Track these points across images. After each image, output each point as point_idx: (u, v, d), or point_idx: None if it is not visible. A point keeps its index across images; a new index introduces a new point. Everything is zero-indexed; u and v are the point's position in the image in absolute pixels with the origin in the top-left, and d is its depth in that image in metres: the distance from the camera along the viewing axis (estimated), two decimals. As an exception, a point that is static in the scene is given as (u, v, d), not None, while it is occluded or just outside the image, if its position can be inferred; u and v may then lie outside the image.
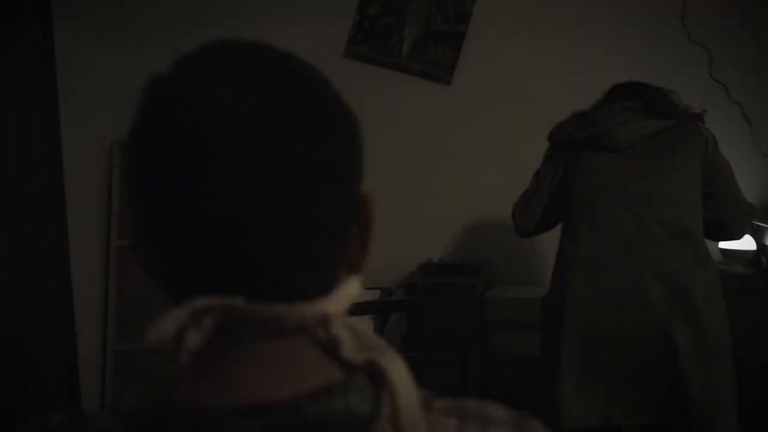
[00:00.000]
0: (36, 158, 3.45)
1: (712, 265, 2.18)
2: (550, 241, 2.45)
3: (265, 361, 0.53)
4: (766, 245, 3.05)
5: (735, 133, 3.34)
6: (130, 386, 0.61)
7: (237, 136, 0.50)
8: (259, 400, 0.51)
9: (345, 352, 0.53)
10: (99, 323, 3.51)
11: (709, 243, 3.14)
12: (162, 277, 0.55)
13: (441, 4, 3.34)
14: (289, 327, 0.52)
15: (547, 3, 3.36)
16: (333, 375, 0.54)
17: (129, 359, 3.41)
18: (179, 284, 0.53)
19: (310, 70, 0.56)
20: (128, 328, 3.41)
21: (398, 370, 0.53)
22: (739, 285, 2.99)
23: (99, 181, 3.52)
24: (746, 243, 3.10)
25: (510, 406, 0.58)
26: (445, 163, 3.40)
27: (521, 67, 3.35)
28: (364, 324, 3.04)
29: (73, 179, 3.53)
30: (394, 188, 3.37)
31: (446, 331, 2.94)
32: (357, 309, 2.34)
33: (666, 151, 2.16)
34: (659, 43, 3.32)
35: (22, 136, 3.40)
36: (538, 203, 2.33)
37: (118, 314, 3.44)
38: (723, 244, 3.12)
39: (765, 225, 3.09)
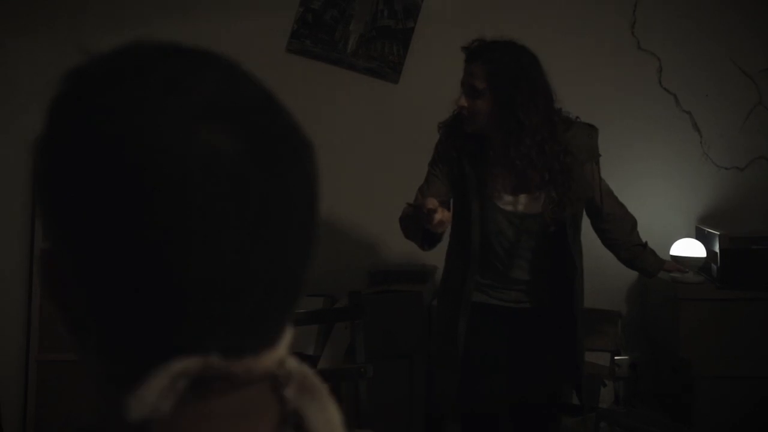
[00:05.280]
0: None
1: None
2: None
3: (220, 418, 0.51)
4: (716, 252, 3.02)
5: (684, 142, 3.38)
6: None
7: (223, 187, 0.46)
8: None
9: (290, 405, 0.53)
10: (21, 332, 3.30)
11: (659, 249, 3.13)
12: (122, 344, 0.49)
13: (388, -2, 3.23)
14: (257, 378, 0.51)
15: (497, 2, 3.29)
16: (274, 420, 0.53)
17: (53, 370, 3.23)
18: (146, 349, 0.48)
19: (275, 98, 0.52)
20: (52, 338, 3.23)
21: (324, 418, 0.53)
22: (689, 293, 2.97)
23: (22, 181, 3.31)
24: (696, 250, 3.06)
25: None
26: (394, 166, 3.29)
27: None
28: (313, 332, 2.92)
29: (-6, 179, 3.32)
30: (340, 191, 3.25)
31: (392, 340, 2.86)
32: (301, 318, 2.16)
33: None
34: (609, 52, 3.33)
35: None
36: None
37: (41, 322, 3.26)
38: (673, 252, 3.08)
39: (714, 232, 3.06)
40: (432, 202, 1.95)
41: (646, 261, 2.49)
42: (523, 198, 2.22)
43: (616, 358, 3.00)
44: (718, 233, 3.03)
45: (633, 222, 2.47)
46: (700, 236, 3.19)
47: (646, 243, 2.49)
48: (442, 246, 2.68)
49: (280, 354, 0.53)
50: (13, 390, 3.32)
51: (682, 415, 2.92)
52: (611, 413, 2.81)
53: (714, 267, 3.06)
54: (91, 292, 0.49)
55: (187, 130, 0.46)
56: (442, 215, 1.94)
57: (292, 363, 0.54)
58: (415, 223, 2.08)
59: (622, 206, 2.44)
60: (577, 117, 2.27)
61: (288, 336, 0.54)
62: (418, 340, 2.90)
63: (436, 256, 3.21)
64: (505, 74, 2.10)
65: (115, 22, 3.14)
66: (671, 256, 3.08)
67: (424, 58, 3.27)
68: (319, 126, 3.30)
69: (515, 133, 2.11)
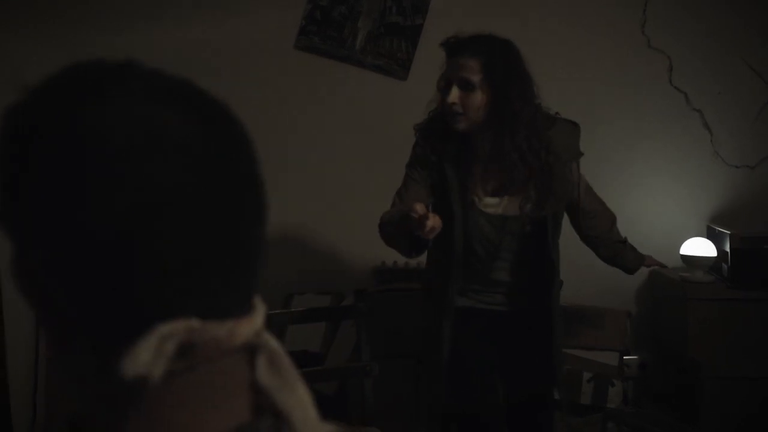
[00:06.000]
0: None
1: None
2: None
3: (203, 392, 0.53)
4: (726, 252, 2.99)
5: (695, 141, 3.36)
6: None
7: (173, 154, 0.50)
8: None
9: (260, 379, 0.54)
10: (31, 329, 3.30)
11: (669, 249, 3.11)
12: (106, 310, 0.51)
13: (396, -6, 3.21)
14: (238, 343, 0.53)
15: (507, 1, 3.27)
16: (247, 408, 0.54)
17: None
18: (131, 313, 0.51)
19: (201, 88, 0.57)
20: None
21: (299, 407, 0.54)
22: (699, 292, 2.94)
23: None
24: (707, 249, 3.04)
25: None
26: (402, 163, 3.25)
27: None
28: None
29: None
30: (348, 188, 3.24)
31: (398, 339, 2.85)
32: (308, 315, 2.16)
33: None
34: (619, 50, 3.31)
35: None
36: None
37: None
38: (684, 251, 3.06)
39: (725, 231, 3.04)
40: (422, 208, 1.88)
41: (627, 258, 2.43)
42: (504, 200, 2.17)
43: (624, 357, 2.98)
44: (728, 232, 3.01)
45: (613, 218, 2.41)
46: (711, 235, 3.16)
47: (626, 239, 2.44)
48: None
49: (257, 323, 0.56)
50: (22, 387, 3.31)
51: (691, 415, 2.90)
52: (619, 413, 2.78)
53: (725, 266, 3.03)
54: (67, 282, 0.51)
55: (130, 109, 0.50)
56: (433, 221, 1.87)
57: (268, 336, 0.56)
58: (403, 230, 1.99)
59: (602, 203, 2.38)
60: (557, 113, 2.20)
61: (261, 309, 0.57)
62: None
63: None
64: (499, 65, 2.06)
65: (121, 20, 3.12)
66: (681, 255, 3.06)
67: (432, 55, 3.21)
68: (327, 123, 3.29)
69: (510, 125, 2.06)
